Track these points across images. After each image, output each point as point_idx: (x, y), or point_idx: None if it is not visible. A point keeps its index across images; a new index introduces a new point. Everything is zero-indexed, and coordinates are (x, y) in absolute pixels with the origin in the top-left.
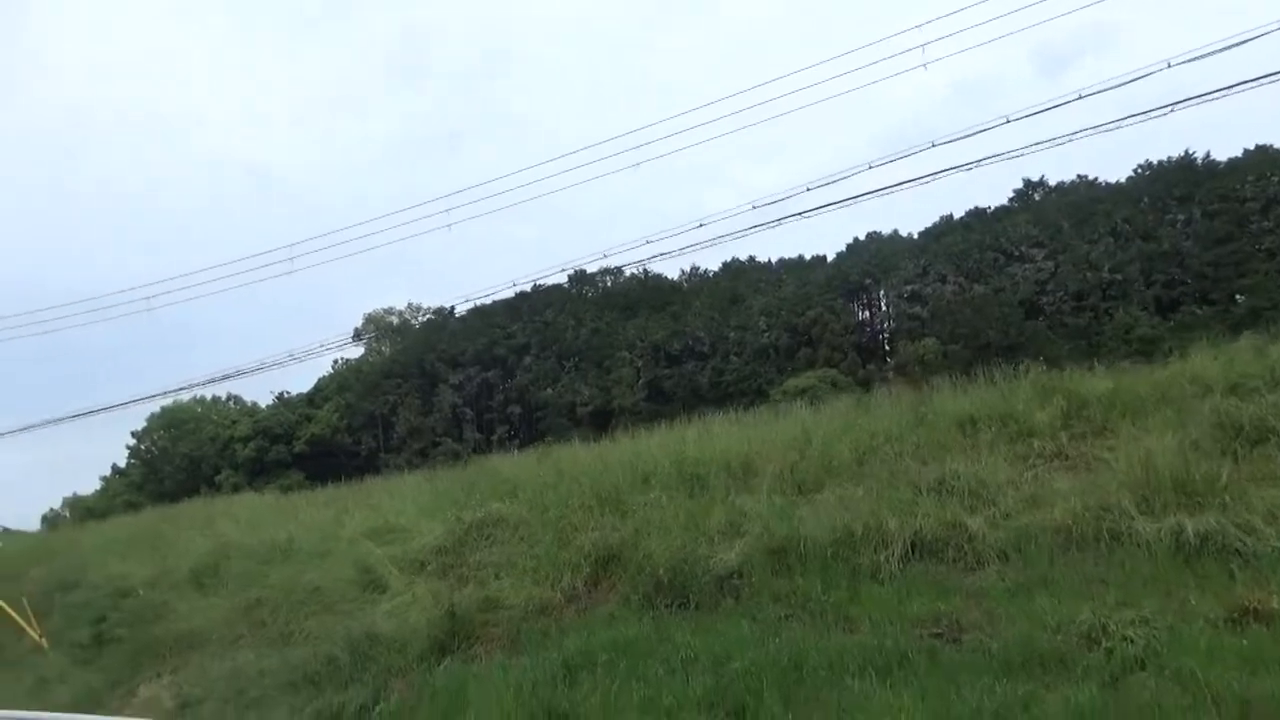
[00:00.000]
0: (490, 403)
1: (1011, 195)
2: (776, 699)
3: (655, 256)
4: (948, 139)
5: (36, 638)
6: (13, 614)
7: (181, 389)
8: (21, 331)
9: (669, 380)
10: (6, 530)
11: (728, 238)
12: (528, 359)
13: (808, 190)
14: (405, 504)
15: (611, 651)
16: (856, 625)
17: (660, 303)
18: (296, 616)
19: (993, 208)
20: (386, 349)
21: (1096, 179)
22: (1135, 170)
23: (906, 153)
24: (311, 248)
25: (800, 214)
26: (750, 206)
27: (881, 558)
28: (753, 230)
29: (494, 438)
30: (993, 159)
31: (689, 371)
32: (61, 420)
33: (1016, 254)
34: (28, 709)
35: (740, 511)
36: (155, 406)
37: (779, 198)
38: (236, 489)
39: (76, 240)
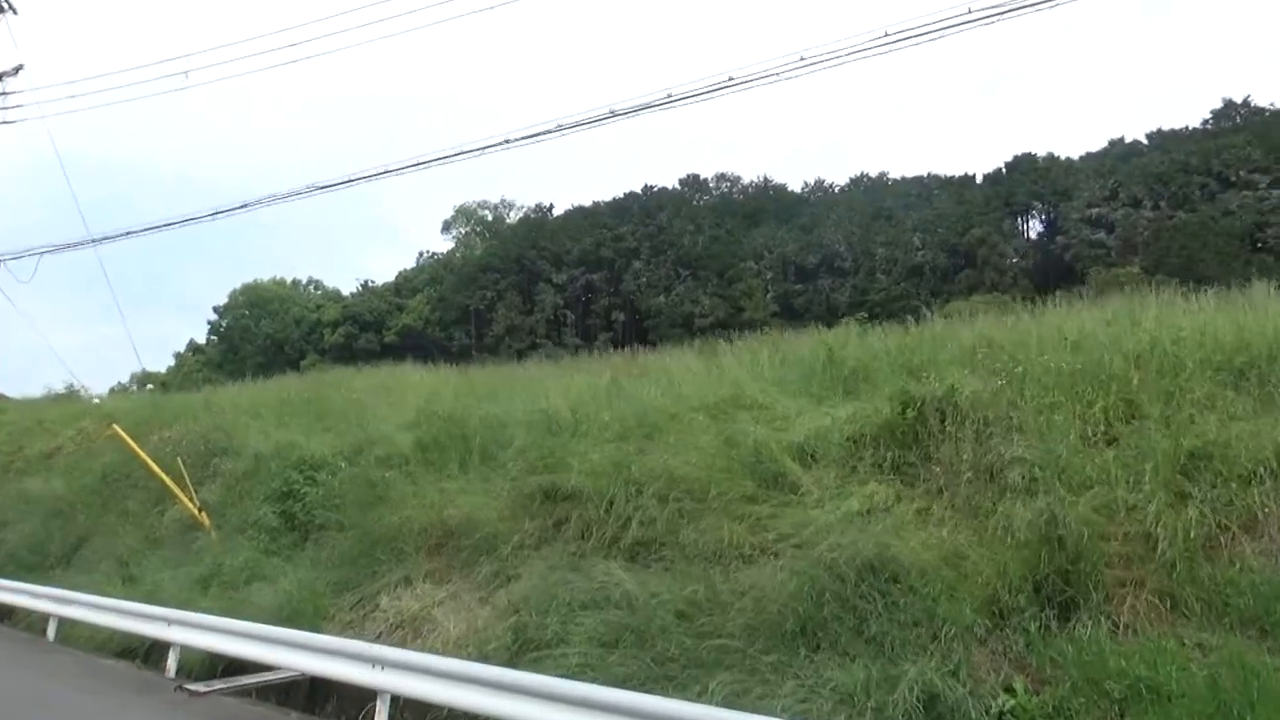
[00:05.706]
0: (593, 307)
1: (1208, 117)
2: None
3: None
4: None
5: (195, 512)
6: (165, 479)
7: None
8: None
9: (800, 296)
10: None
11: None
12: (637, 264)
13: None
14: (741, 376)
15: None
16: None
17: (785, 214)
18: (661, 516)
19: (1189, 128)
20: (478, 244)
21: None
22: None
23: None
24: None
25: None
26: None
27: None
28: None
29: (596, 343)
30: None
31: (825, 287)
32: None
33: (1233, 180)
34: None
35: None
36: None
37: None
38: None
39: None
